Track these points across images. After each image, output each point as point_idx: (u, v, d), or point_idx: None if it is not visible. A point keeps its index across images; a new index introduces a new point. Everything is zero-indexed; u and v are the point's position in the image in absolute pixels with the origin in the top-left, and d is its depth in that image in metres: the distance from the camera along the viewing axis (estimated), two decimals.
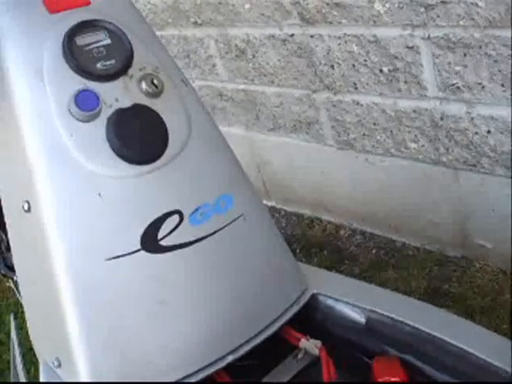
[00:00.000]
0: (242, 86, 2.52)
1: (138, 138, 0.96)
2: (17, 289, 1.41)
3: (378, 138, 2.11)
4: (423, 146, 1.99)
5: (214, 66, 2.57)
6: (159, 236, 0.96)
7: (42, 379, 1.04)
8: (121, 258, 0.94)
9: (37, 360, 1.11)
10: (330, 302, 1.14)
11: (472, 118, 1.79)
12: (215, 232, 1.00)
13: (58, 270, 0.93)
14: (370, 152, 2.18)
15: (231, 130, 2.66)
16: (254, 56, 2.35)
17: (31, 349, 1.17)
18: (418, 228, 2.22)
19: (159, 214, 0.96)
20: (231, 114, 2.66)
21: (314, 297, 1.14)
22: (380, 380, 0.97)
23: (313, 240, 2.43)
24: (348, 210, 2.44)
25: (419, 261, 2.17)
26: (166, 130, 0.98)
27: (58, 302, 0.94)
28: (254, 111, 2.54)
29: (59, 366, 1.01)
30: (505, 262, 2.00)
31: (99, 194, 0.93)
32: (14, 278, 1.37)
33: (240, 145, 2.58)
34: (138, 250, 0.94)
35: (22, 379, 1.43)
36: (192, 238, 0.98)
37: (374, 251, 2.31)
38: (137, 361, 0.95)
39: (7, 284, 2.51)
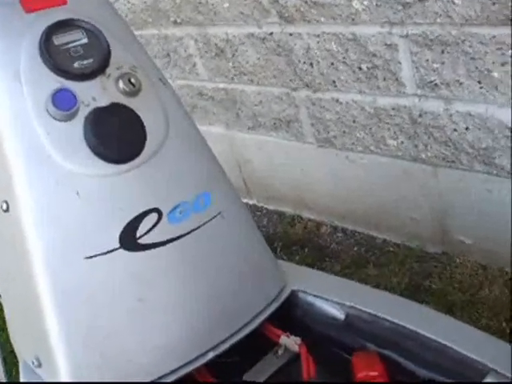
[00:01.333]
0: (221, 85, 2.52)
1: (116, 136, 0.97)
2: None
3: (358, 135, 2.11)
4: (402, 142, 1.99)
5: (193, 65, 2.57)
6: (138, 234, 0.96)
7: (22, 379, 1.04)
8: (99, 257, 0.94)
9: (18, 362, 1.11)
10: (309, 298, 1.15)
11: (450, 115, 1.81)
12: (194, 230, 1.01)
13: (37, 269, 0.93)
14: (350, 149, 2.19)
15: (211, 128, 2.66)
16: (233, 55, 2.35)
17: (12, 351, 1.17)
18: (398, 225, 2.23)
19: (137, 212, 0.96)
20: (211, 112, 2.66)
21: (293, 294, 1.15)
22: (359, 375, 0.97)
23: (294, 238, 2.43)
24: (329, 208, 2.45)
25: (400, 257, 2.17)
26: (143, 129, 0.99)
27: (36, 302, 0.94)
28: (234, 110, 2.54)
29: (39, 365, 1.01)
30: (484, 257, 2.01)
31: (77, 193, 0.94)
32: None
33: (220, 143, 2.58)
34: (116, 249, 0.95)
35: (3, 380, 1.42)
36: (170, 236, 0.99)
37: (354, 248, 2.31)
38: (117, 359, 0.96)
39: None
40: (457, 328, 1.08)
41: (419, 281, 2.05)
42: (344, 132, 2.16)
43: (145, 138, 0.98)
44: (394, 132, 2.00)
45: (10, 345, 1.18)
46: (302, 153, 2.39)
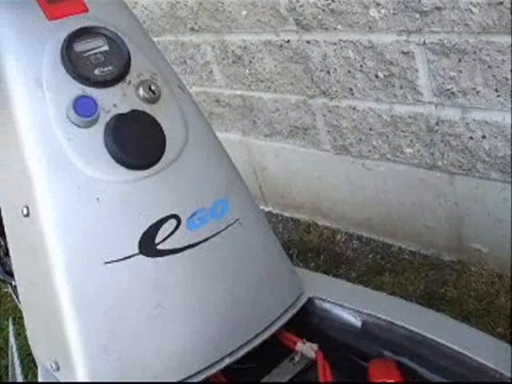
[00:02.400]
0: (238, 92, 2.53)
1: (136, 143, 0.97)
2: (15, 294, 1.41)
3: (374, 143, 2.12)
4: (419, 150, 2.00)
5: (210, 72, 2.58)
6: (157, 240, 0.97)
7: (40, 381, 1.04)
8: (119, 262, 0.95)
9: (35, 365, 1.12)
10: (326, 305, 1.15)
11: (467, 123, 1.81)
12: (212, 236, 1.02)
13: (57, 274, 0.94)
14: (367, 157, 2.19)
15: (228, 135, 2.67)
16: (250, 62, 2.36)
17: (29, 354, 1.18)
18: (414, 232, 2.23)
19: (157, 218, 0.97)
20: (228, 119, 2.67)
21: (310, 301, 1.15)
22: (376, 382, 0.98)
23: (309, 245, 2.44)
24: (344, 215, 2.45)
25: (415, 265, 2.17)
26: (163, 136, 0.99)
27: (56, 306, 0.95)
28: (250, 117, 2.55)
29: (57, 369, 1.01)
30: (500, 265, 2.00)
31: (97, 199, 0.94)
32: (13, 283, 1.37)
33: (237, 150, 2.59)
34: (135, 254, 0.95)
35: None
36: (189, 243, 0.99)
37: (370, 256, 2.32)
38: (134, 364, 0.96)
39: (5, 290, 2.52)
40: (474, 336, 1.08)
41: (434, 289, 2.05)
42: (360, 140, 2.16)
43: (164, 145, 0.99)
44: (411, 140, 2.00)
45: (27, 348, 1.18)
46: (318, 160, 2.39)
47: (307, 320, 1.15)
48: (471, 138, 1.82)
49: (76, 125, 0.95)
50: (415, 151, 2.01)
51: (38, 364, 1.11)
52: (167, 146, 0.99)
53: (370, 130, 2.10)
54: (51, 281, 0.94)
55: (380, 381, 0.98)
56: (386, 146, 2.09)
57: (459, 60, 1.71)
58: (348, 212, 2.43)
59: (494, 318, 1.84)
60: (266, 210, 2.76)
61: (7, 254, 1.25)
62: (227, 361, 1.02)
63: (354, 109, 2.12)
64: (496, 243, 1.98)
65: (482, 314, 1.87)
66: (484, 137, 1.79)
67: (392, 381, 0.98)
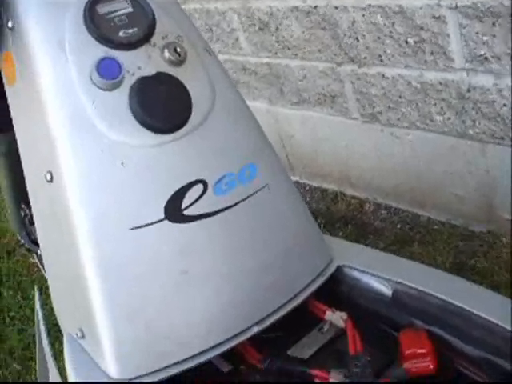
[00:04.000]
0: (265, 60, 2.50)
1: (161, 106, 0.95)
2: (41, 263, 1.41)
3: (404, 110, 2.08)
4: (449, 118, 1.95)
5: (236, 39, 2.55)
6: (183, 205, 0.95)
7: (65, 350, 1.03)
8: (144, 228, 0.93)
9: (61, 334, 1.11)
10: (355, 273, 1.12)
11: (500, 90, 1.76)
12: (240, 202, 0.99)
13: (81, 241, 0.92)
14: (396, 125, 2.15)
15: (255, 104, 2.64)
16: (277, 29, 2.33)
17: (56, 324, 1.17)
18: (444, 202, 2.19)
19: (183, 183, 0.95)
20: (254, 88, 2.63)
21: (339, 269, 1.12)
22: (407, 352, 0.95)
23: (337, 215, 2.41)
24: (372, 185, 2.42)
25: (445, 235, 2.14)
26: (189, 99, 0.97)
27: (81, 273, 0.93)
28: (277, 85, 2.51)
29: (82, 337, 1.00)
30: None
31: (122, 164, 0.93)
32: (38, 252, 1.37)
33: (264, 119, 2.54)
34: (161, 220, 0.93)
35: (47, 352, 1.43)
36: (216, 208, 0.97)
37: (398, 226, 2.28)
38: (160, 332, 0.95)
39: (31, 260, 2.53)
40: (508, 306, 1.05)
41: (464, 260, 2.02)
42: (389, 107, 2.12)
43: (190, 108, 0.96)
44: (441, 107, 1.95)
45: (54, 318, 1.18)
46: (346, 128, 2.36)
47: (336, 289, 1.13)
48: (504, 105, 1.77)
49: (100, 87, 0.93)
50: (445, 119, 1.97)
51: (63, 332, 1.11)
52: (193, 109, 0.97)
53: (400, 97, 2.06)
54: (75, 248, 0.93)
55: (411, 351, 0.95)
56: (415, 114, 2.05)
57: (493, 24, 1.66)
58: (376, 181, 2.39)
59: None
60: (293, 179, 2.72)
61: (32, 222, 1.24)
62: (255, 329, 1.00)
63: (383, 76, 2.07)
64: None
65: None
66: None
67: (423, 350, 0.95)
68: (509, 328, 0.96)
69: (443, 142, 2.03)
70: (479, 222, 2.12)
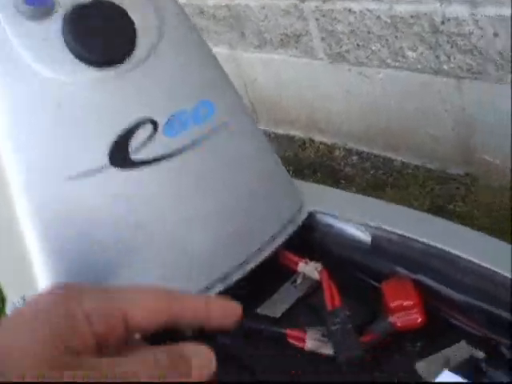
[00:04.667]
0: (224, 2, 2.36)
1: (102, 37, 0.83)
2: None
3: (373, 48, 1.96)
4: (422, 53, 1.84)
5: None
6: (130, 149, 0.82)
7: None
8: (86, 177, 0.80)
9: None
10: (329, 220, 1.01)
11: (477, 20, 1.64)
12: (195, 143, 0.87)
13: (15, 194, 0.79)
14: (365, 64, 2.04)
15: (215, 50, 2.47)
16: None
17: None
18: (418, 145, 2.09)
19: (129, 123, 0.82)
20: (214, 32, 2.50)
21: (311, 215, 1.01)
22: (392, 305, 0.84)
23: (305, 162, 2.30)
24: (342, 129, 2.31)
25: (420, 179, 2.04)
26: (133, 29, 0.84)
27: (18, 235, 0.80)
28: (238, 28, 2.38)
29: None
30: None
31: (58, 104, 0.79)
32: None
33: (225, 65, 2.42)
34: (105, 166, 0.80)
35: None
36: (168, 151, 0.84)
37: (371, 171, 2.18)
38: None
39: None
40: (498, 247, 0.95)
41: (442, 204, 1.93)
42: (358, 45, 2.00)
43: (135, 39, 0.84)
44: (414, 42, 1.84)
45: None
46: (312, 70, 2.24)
47: (309, 237, 1.01)
48: (482, 36, 1.65)
49: (28, 18, 0.79)
50: (418, 54, 1.85)
51: (6, 300, 0.99)
52: (138, 40, 0.84)
53: (368, 33, 1.94)
54: (9, 203, 0.80)
55: (396, 303, 0.85)
56: (385, 51, 1.93)
57: None
58: (345, 125, 2.28)
59: (509, 234, 1.71)
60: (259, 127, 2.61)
61: None
62: (219, 287, 0.89)
63: (350, 11, 1.94)
64: (508, 153, 1.84)
65: (495, 229, 1.74)
66: (496, 35, 1.62)
67: (410, 302, 0.85)
68: (501, 272, 0.86)
69: (416, 79, 1.92)
70: (456, 164, 2.02)
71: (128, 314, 0.48)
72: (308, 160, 2.31)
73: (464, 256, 0.89)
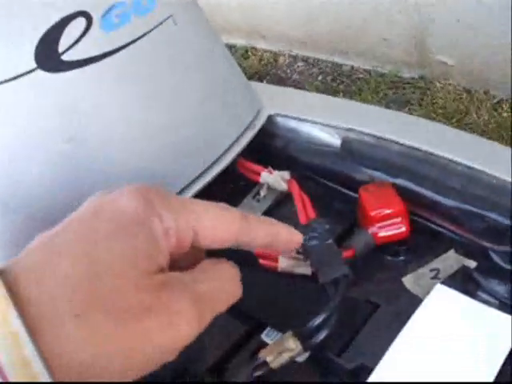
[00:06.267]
0: None
1: None
2: None
3: None
4: None
5: None
6: (60, 49, 0.67)
7: None
8: (10, 83, 0.65)
9: None
10: (292, 123, 0.89)
11: None
12: (137, 39, 0.73)
13: None
14: None
15: None
16: None
17: None
18: (368, 48, 1.98)
19: (57, 17, 0.67)
20: None
21: (271, 118, 0.89)
22: (372, 213, 0.74)
23: (249, 71, 2.18)
24: (286, 34, 2.17)
25: (372, 84, 1.94)
26: None
27: None
28: None
29: None
30: (468, 79, 1.79)
31: None
32: None
33: None
34: (32, 70, 0.66)
35: None
36: (106, 49, 0.70)
37: (319, 78, 2.07)
38: (44, 218, 0.69)
39: None
40: (478, 144, 0.86)
41: (397, 108, 1.84)
42: None
43: None
44: None
45: None
46: None
47: (270, 144, 0.90)
48: None
49: None
50: None
51: None
52: None
53: None
54: None
55: (377, 211, 0.74)
56: None
57: None
58: (290, 30, 2.14)
59: None
60: None
61: None
62: None
63: None
64: (464, 53, 1.74)
65: None
66: None
67: (391, 210, 0.74)
68: (486, 170, 0.76)
69: None
70: (409, 66, 1.92)
71: (198, 231, 0.46)
72: (252, 69, 2.18)
73: (450, 157, 0.79)
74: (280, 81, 2.09)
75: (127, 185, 0.46)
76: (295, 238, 0.53)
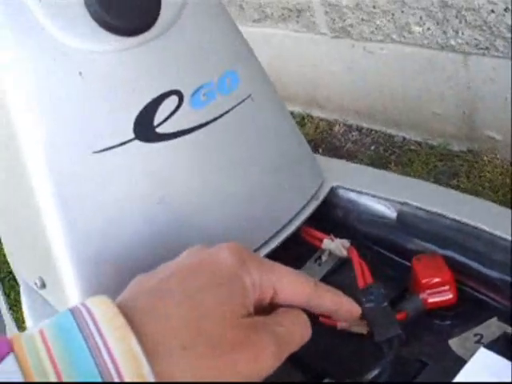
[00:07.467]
0: None
1: (125, 3, 0.78)
2: None
3: (378, 22, 1.92)
4: (429, 29, 1.81)
5: None
6: (155, 122, 0.78)
7: (24, 302, 0.88)
8: (110, 151, 0.76)
9: (17, 283, 0.96)
10: (352, 195, 0.99)
11: None
12: (221, 115, 0.84)
13: (35, 171, 0.75)
14: (369, 39, 2.00)
15: None
16: None
17: (10, 272, 1.01)
18: (420, 121, 2.07)
19: (154, 95, 0.78)
20: None
21: (333, 190, 0.99)
22: (424, 281, 0.82)
23: (306, 138, 2.27)
24: (342, 105, 2.28)
25: (422, 156, 2.02)
26: None
27: (36, 211, 0.76)
28: (236, 1, 2.33)
29: (43, 286, 0.85)
30: None
31: (80, 73, 0.75)
32: None
33: None
34: (130, 140, 0.77)
35: (2, 304, 1.28)
36: (195, 123, 0.81)
37: (372, 147, 2.16)
38: (132, 271, 0.79)
39: None
40: None
41: (445, 180, 1.91)
42: (362, 20, 1.96)
43: (159, 5, 0.80)
44: (421, 17, 1.80)
45: (8, 266, 1.01)
46: (314, 45, 2.20)
47: (331, 214, 0.99)
48: (492, 11, 1.62)
49: None
50: (425, 30, 1.82)
51: (19, 282, 0.95)
52: (163, 5, 0.80)
53: (374, 7, 1.90)
54: (28, 180, 0.76)
55: (428, 280, 0.82)
56: (391, 26, 1.90)
57: None
58: (346, 101, 2.25)
59: None
60: None
61: None
62: None
63: None
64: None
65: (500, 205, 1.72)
66: (507, 10, 1.59)
67: (442, 279, 0.82)
68: None
69: (421, 55, 1.89)
70: (459, 140, 2.00)
71: (277, 291, 0.55)
72: (307, 137, 2.27)
73: (493, 231, 0.87)
74: (335, 149, 2.18)
75: (225, 243, 0.59)
76: (355, 310, 0.63)
